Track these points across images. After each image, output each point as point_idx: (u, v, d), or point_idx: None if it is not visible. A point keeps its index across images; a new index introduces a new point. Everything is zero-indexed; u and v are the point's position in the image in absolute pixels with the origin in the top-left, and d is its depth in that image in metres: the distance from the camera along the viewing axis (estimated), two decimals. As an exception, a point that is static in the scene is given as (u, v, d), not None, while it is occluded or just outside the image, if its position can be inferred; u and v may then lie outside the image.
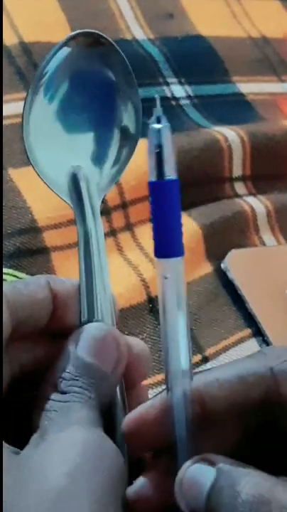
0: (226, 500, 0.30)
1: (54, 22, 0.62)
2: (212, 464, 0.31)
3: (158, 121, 0.33)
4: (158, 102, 0.33)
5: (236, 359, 0.36)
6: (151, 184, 0.33)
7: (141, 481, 0.34)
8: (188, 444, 0.33)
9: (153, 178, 0.33)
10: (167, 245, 0.33)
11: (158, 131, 0.33)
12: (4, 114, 0.55)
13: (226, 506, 0.30)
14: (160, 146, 0.33)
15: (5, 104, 0.56)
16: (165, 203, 0.33)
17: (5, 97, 0.56)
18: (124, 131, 0.38)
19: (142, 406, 0.34)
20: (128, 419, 0.34)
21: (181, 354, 0.34)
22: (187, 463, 0.32)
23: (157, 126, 0.33)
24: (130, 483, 0.34)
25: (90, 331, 0.36)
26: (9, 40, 0.59)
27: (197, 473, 0.31)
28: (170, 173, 0.33)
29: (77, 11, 0.63)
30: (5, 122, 0.54)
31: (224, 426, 0.34)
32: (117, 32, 0.64)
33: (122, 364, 0.36)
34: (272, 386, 0.33)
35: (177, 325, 0.34)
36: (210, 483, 0.31)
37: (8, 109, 0.55)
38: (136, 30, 0.65)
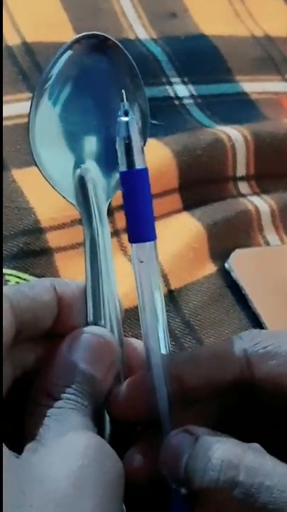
0: (199, 465, 0.32)
1: (56, 22, 0.61)
2: (192, 434, 0.33)
3: (126, 114, 0.36)
4: (124, 96, 0.36)
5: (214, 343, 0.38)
6: (122, 174, 0.35)
7: (130, 452, 0.35)
8: (171, 417, 0.36)
9: (124, 168, 0.35)
10: (140, 231, 0.35)
11: (126, 123, 0.35)
12: (7, 114, 0.55)
13: (199, 471, 0.32)
14: (128, 138, 0.35)
15: (8, 105, 0.56)
16: (137, 190, 0.35)
17: (8, 98, 0.56)
18: None
19: (127, 380, 0.36)
20: (115, 393, 0.36)
21: (159, 333, 0.36)
22: (170, 434, 0.34)
23: (125, 119, 0.35)
24: (121, 456, 0.35)
25: (84, 336, 0.36)
26: (12, 40, 0.59)
27: (178, 443, 0.33)
28: (139, 162, 0.35)
29: (80, 11, 0.63)
30: (8, 123, 0.54)
31: (204, 404, 0.36)
32: (120, 31, 0.63)
33: (114, 369, 0.36)
34: (245, 367, 0.35)
35: (154, 305, 0.36)
36: (189, 451, 0.33)
37: (11, 110, 0.55)
38: (139, 29, 0.65)
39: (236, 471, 0.31)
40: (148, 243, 0.36)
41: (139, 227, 0.36)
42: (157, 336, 0.36)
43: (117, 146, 0.36)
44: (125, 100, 0.36)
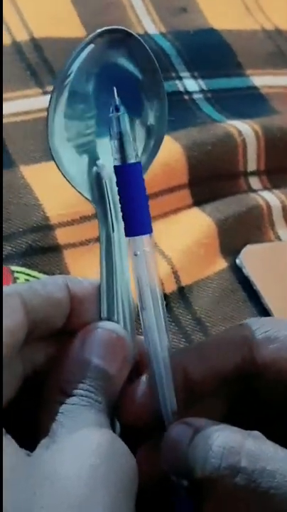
0: (200, 454, 0.32)
1: (64, 16, 0.61)
2: (191, 426, 0.33)
3: (117, 109, 0.36)
4: (115, 92, 0.36)
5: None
6: (116, 168, 0.36)
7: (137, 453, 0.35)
8: (174, 413, 0.35)
9: (117, 163, 0.36)
10: (135, 224, 0.36)
11: (118, 118, 0.36)
12: (15, 110, 0.55)
13: (200, 459, 0.32)
14: (119, 133, 0.36)
15: (16, 101, 0.55)
16: (131, 184, 0.36)
17: (16, 94, 0.56)
18: (150, 130, 0.38)
19: (133, 384, 0.36)
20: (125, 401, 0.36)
21: (159, 327, 0.36)
22: (170, 427, 0.34)
23: (116, 114, 0.36)
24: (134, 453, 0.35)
25: (97, 331, 0.35)
26: (20, 35, 0.59)
27: (178, 435, 0.33)
28: (132, 157, 0.36)
29: (88, 5, 0.63)
30: (16, 119, 0.54)
31: (209, 401, 0.36)
32: (128, 26, 0.63)
33: (128, 365, 0.36)
34: (247, 354, 0.35)
35: (153, 299, 0.36)
36: (189, 442, 0.33)
37: (19, 106, 0.55)
38: (148, 24, 0.64)
39: (237, 457, 0.31)
40: (142, 236, 0.36)
41: (133, 221, 0.36)
42: (156, 331, 0.36)
43: (110, 142, 0.36)
44: (116, 95, 0.36)
